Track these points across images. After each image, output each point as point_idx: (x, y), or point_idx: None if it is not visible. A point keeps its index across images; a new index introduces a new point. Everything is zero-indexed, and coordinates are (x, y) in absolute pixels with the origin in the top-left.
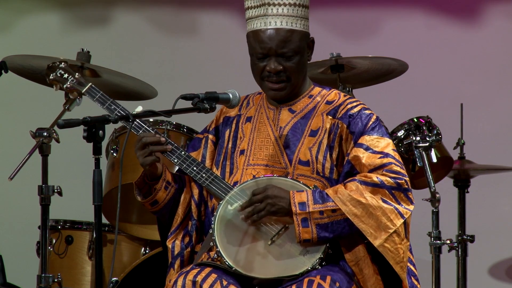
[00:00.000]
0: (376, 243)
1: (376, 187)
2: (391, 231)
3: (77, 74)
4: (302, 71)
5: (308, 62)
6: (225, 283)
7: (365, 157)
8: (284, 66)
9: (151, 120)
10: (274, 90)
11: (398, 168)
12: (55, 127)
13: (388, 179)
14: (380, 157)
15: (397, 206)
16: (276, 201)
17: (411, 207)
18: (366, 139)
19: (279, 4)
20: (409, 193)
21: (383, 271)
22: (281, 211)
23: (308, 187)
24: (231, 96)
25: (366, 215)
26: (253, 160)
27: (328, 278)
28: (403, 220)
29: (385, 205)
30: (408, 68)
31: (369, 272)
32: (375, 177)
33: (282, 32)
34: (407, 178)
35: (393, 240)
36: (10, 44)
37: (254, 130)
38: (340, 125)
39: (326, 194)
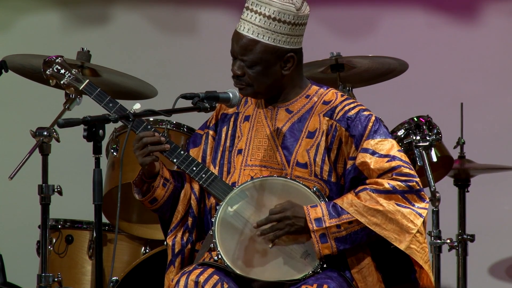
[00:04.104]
0: (402, 246)
1: (389, 194)
2: (414, 231)
3: (74, 70)
4: (266, 81)
5: (286, 74)
6: (226, 286)
7: (373, 162)
8: (244, 72)
9: (151, 119)
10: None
11: (407, 170)
12: (55, 127)
13: (400, 183)
14: (387, 161)
15: (413, 207)
16: (295, 222)
17: (426, 205)
18: (371, 144)
19: (255, 12)
20: (422, 193)
21: (387, 280)
22: (298, 230)
23: (305, 186)
24: (231, 95)
25: (386, 221)
26: (250, 160)
27: (325, 287)
28: (422, 219)
29: (402, 209)
30: (408, 67)
31: (373, 280)
32: (387, 184)
33: (244, 39)
34: (417, 179)
35: (417, 240)
36: (10, 43)
37: (252, 129)
38: (338, 128)
39: (340, 207)
